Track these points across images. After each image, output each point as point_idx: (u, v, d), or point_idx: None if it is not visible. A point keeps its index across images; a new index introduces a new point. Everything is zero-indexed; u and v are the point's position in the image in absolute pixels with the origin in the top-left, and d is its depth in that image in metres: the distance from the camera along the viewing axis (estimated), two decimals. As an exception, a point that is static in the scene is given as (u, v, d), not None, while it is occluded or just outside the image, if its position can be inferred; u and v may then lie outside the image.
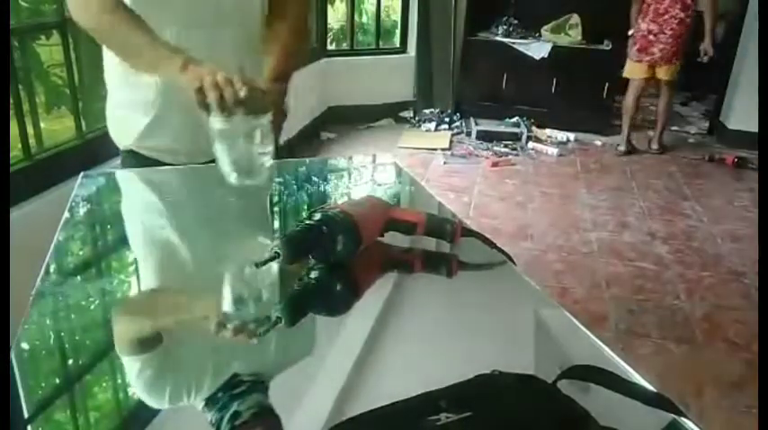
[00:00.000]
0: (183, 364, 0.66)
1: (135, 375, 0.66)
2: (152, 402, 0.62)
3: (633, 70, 4.17)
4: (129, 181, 1.26)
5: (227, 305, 0.76)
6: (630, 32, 4.12)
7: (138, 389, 0.64)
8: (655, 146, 4.45)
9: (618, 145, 4.39)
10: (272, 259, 0.70)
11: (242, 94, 0.95)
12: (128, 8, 1.10)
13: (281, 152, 1.29)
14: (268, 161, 1.01)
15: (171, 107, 1.20)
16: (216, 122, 0.97)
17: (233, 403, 0.55)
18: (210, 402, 0.56)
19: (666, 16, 3.90)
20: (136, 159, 1.28)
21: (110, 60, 1.24)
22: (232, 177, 1.00)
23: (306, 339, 0.70)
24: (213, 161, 1.26)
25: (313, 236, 0.74)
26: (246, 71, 1.04)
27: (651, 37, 3.97)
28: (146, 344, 0.69)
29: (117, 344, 0.70)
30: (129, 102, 1.26)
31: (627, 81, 4.28)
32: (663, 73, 4.09)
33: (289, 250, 0.70)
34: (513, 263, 0.88)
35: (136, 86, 1.21)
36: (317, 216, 0.76)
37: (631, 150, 4.37)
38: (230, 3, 1.20)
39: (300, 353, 0.68)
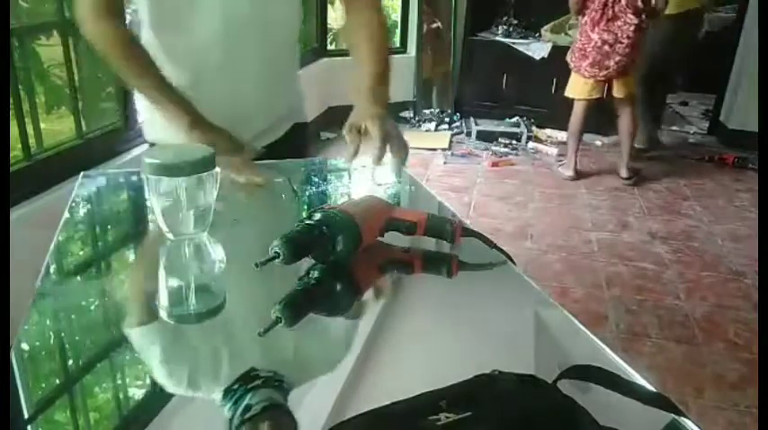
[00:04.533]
0: (199, 354, 0.68)
1: (154, 363, 0.68)
2: (171, 388, 0.64)
3: (583, 89, 3.66)
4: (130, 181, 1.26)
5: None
6: (576, 44, 3.65)
7: (157, 375, 0.66)
8: (624, 173, 3.81)
9: (563, 169, 3.96)
10: (271, 259, 0.70)
11: (258, 180, 1.00)
12: (137, 42, 1.12)
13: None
14: (209, 215, 0.87)
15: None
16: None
17: (246, 396, 0.57)
18: (227, 394, 0.58)
19: (619, 22, 3.43)
20: None
21: None
22: (168, 235, 0.86)
23: (326, 338, 0.72)
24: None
25: (313, 236, 0.74)
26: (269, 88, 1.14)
27: (606, 48, 3.47)
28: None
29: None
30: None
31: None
32: (619, 89, 3.59)
33: (288, 250, 0.70)
34: (513, 262, 0.88)
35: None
36: (317, 216, 0.76)
37: (578, 175, 3.92)
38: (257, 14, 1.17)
39: (319, 352, 0.69)
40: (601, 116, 4.48)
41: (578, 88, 3.69)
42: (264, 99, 1.27)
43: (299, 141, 1.41)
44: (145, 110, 1.34)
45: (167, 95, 1.09)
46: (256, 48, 1.20)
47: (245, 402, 0.56)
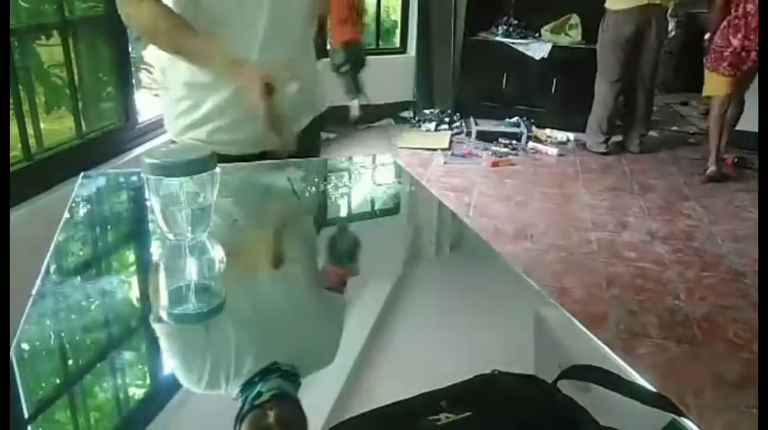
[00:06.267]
0: (220, 352, 0.70)
1: (175, 361, 0.70)
2: (191, 387, 0.65)
3: (719, 86, 3.78)
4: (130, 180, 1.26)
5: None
6: (711, 45, 3.76)
7: (178, 374, 0.68)
8: (712, 168, 3.89)
9: (706, 169, 3.93)
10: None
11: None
12: (170, 10, 1.15)
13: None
14: (209, 215, 0.86)
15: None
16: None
17: (257, 385, 0.59)
18: (246, 387, 0.60)
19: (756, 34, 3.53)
20: None
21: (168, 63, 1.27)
22: (168, 235, 0.85)
23: (337, 332, 0.73)
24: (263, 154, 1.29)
25: None
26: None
27: (743, 54, 3.62)
28: None
29: None
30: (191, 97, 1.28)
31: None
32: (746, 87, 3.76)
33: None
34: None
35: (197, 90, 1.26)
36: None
37: (719, 176, 3.90)
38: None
39: (330, 346, 0.71)
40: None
41: (715, 85, 3.81)
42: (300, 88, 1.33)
43: (317, 134, 1.47)
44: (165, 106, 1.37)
45: (205, 40, 1.15)
46: (290, 36, 1.28)
47: (257, 389, 0.58)
